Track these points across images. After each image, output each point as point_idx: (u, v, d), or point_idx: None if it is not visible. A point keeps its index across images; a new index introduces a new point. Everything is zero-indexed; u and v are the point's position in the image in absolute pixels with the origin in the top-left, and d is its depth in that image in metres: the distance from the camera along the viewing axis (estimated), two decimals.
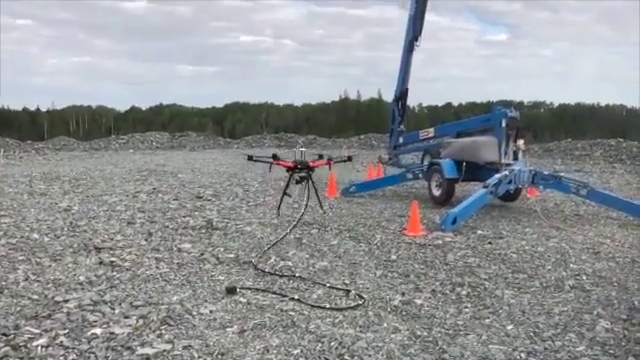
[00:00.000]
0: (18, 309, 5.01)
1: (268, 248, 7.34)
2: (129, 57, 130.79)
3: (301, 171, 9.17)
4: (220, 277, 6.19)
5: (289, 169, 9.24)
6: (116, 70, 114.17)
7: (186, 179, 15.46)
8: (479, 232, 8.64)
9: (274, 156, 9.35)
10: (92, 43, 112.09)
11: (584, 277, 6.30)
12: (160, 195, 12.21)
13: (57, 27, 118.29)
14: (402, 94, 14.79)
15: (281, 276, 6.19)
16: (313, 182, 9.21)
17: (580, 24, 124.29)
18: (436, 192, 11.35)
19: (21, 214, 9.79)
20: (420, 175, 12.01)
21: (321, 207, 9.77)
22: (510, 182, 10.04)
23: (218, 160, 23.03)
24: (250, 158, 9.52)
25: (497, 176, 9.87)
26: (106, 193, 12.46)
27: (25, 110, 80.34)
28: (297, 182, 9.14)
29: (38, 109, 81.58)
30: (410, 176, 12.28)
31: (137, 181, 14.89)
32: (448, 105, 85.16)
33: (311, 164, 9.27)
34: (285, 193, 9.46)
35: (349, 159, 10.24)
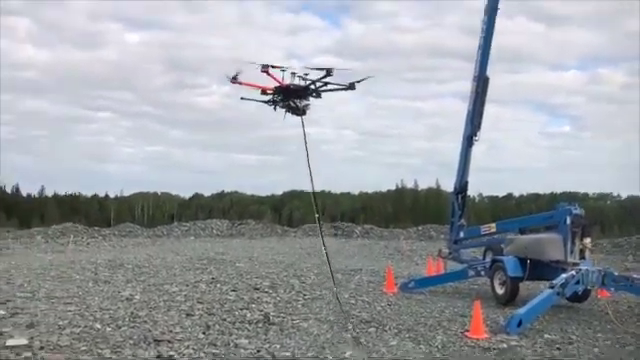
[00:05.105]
0: None
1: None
2: (198, 147, 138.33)
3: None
4: None
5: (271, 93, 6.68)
6: (185, 159, 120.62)
7: (244, 268, 15.58)
8: (546, 336, 8.20)
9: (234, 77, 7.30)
10: (167, 134, 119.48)
11: None
12: (219, 285, 12.32)
13: (136, 119, 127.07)
14: (462, 187, 14.73)
15: None
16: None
17: None
18: (500, 291, 10.95)
19: (85, 302, 10.06)
20: (482, 272, 11.67)
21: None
22: (578, 282, 9.61)
23: (275, 249, 23.21)
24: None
25: (564, 276, 9.48)
26: (167, 282, 12.68)
27: (95, 197, 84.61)
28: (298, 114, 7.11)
29: (107, 196, 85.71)
30: (472, 273, 11.96)
31: (197, 270, 15.12)
32: (509, 196, 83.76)
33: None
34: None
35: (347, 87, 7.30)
